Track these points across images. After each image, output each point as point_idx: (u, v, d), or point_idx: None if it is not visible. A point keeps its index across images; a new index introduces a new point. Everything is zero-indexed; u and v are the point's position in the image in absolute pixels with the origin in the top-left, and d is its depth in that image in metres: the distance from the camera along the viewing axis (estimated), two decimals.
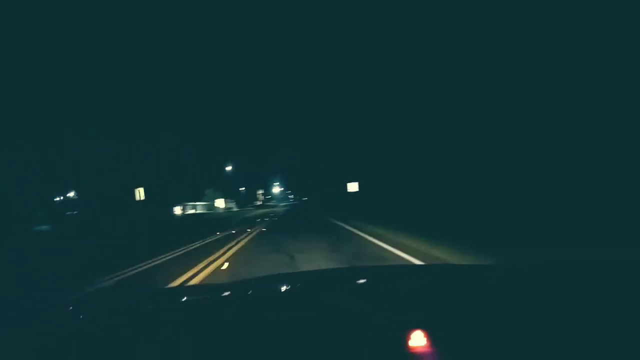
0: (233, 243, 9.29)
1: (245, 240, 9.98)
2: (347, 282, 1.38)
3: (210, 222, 22.50)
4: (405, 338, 0.67)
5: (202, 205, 52.61)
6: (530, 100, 12.01)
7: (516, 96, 12.59)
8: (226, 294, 1.30)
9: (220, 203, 45.81)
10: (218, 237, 11.31)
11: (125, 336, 0.81)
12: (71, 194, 38.68)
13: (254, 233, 12.00)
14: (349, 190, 24.23)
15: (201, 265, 6.27)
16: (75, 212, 37.21)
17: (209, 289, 1.61)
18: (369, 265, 3.54)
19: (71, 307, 1.21)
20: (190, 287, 3.52)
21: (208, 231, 13.35)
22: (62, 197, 38.11)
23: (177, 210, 46.25)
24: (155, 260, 7.24)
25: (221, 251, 7.89)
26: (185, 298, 1.30)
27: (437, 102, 18.02)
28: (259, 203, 75.79)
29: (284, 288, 1.39)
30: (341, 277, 1.56)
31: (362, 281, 1.42)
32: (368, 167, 27.75)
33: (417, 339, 0.66)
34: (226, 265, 6.21)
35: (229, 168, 54.01)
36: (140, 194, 18.98)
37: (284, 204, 74.23)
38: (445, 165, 17.57)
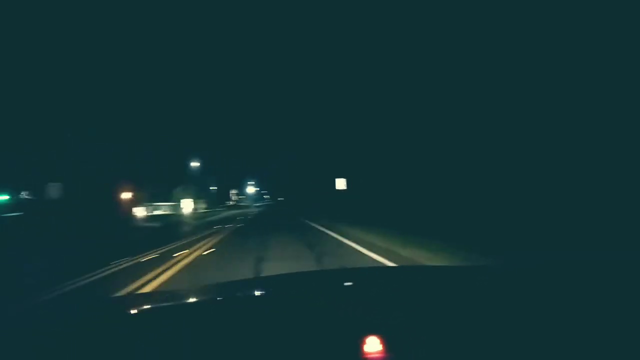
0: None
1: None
2: (311, 286, 1.35)
3: (162, 229, 18.79)
4: (360, 343, 0.66)
5: (168, 206, 48.33)
6: (522, 95, 11.83)
7: (508, 91, 12.34)
8: (188, 300, 1.27)
9: (187, 204, 41.07)
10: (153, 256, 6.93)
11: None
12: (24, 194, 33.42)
13: (200, 250, 7.61)
14: (337, 187, 21.13)
15: None
16: (18, 214, 31.71)
17: (175, 295, 1.49)
18: (338, 268, 3.28)
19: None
20: (161, 292, 3.05)
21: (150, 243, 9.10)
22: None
23: (140, 211, 41.52)
24: None
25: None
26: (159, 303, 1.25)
27: (425, 100, 17.60)
28: (231, 203, 71.19)
29: (248, 293, 1.37)
30: (306, 280, 1.52)
31: (327, 285, 1.37)
32: (351, 167, 25.78)
33: (372, 345, 0.66)
34: None
35: (195, 164, 49.21)
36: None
37: (259, 204, 71.08)
38: (432, 164, 16.94)
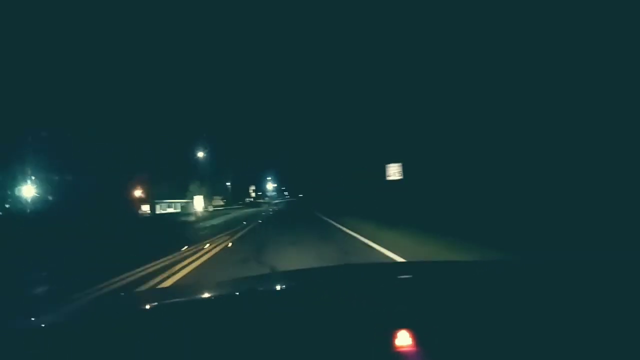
0: None
1: None
2: (336, 281, 1.31)
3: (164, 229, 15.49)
4: (391, 338, 0.66)
5: (182, 203, 44.87)
6: (531, 100, 12.09)
7: (521, 96, 12.49)
8: (206, 295, 1.27)
9: (199, 201, 36.12)
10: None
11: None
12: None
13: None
14: (389, 177, 15.17)
15: None
16: None
17: (192, 290, 1.54)
18: (360, 263, 2.95)
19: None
20: (179, 287, 3.08)
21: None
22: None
23: (147, 209, 38.57)
24: None
25: None
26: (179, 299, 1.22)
27: (440, 99, 16.69)
28: (249, 200, 66.21)
29: (271, 287, 1.35)
30: (330, 275, 1.50)
31: (352, 279, 1.33)
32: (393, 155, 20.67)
33: (403, 339, 0.66)
34: None
35: (201, 154, 43.62)
36: None
37: (277, 201, 66.16)
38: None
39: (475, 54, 15.57)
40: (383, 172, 16.79)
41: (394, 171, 15.37)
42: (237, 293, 1.22)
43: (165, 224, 20.84)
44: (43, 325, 0.98)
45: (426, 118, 17.01)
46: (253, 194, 73.86)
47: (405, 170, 15.84)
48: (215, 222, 19.01)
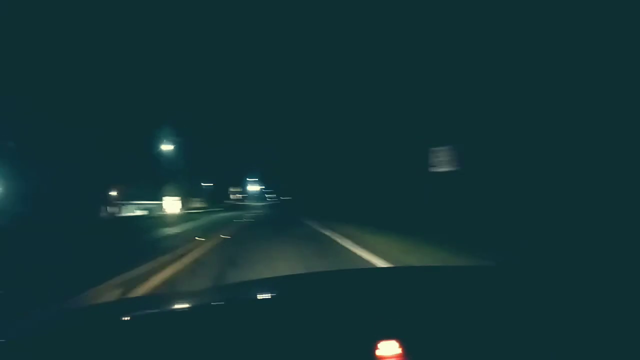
0: None
1: None
2: (323, 287, 1.26)
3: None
4: (373, 347, 0.65)
5: (153, 205, 40.28)
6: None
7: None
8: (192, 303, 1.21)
9: (171, 203, 31.06)
10: None
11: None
12: None
13: None
14: (435, 169, 10.52)
15: None
16: None
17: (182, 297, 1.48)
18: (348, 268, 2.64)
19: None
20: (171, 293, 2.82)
21: None
22: None
23: (114, 211, 34.81)
24: None
25: None
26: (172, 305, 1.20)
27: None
28: (230, 202, 61.30)
29: (261, 294, 1.29)
30: (317, 281, 1.43)
31: (338, 285, 1.28)
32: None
33: (386, 349, 0.64)
34: None
35: (166, 147, 36.21)
36: None
37: (260, 204, 61.47)
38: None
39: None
40: (418, 161, 12.34)
41: (442, 158, 10.88)
42: (220, 301, 1.17)
43: (118, 229, 16.01)
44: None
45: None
46: (235, 196, 68.31)
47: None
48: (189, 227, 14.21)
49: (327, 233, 10.23)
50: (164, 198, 33.41)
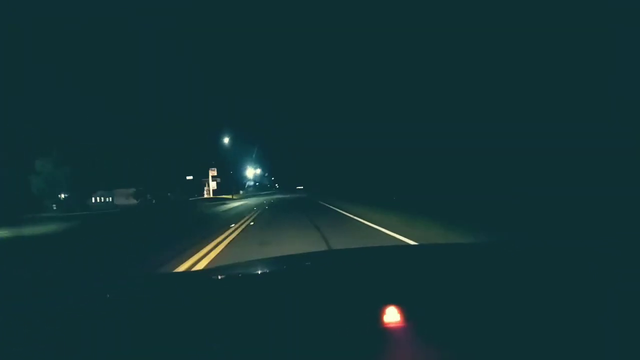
0: None
1: None
2: (329, 265, 1.34)
3: None
4: (379, 315, 0.67)
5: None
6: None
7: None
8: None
9: (123, 196, 32.55)
10: None
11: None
12: None
13: None
14: None
15: None
16: None
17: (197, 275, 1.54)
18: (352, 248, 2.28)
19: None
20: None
21: None
22: None
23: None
24: None
25: None
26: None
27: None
28: (205, 196, 59.77)
29: (265, 271, 1.35)
30: (322, 260, 1.56)
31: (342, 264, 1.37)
32: None
33: (391, 315, 0.67)
34: None
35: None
36: None
37: (264, 196, 51.42)
38: None
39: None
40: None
41: None
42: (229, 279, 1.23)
43: None
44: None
45: None
46: (213, 187, 64.84)
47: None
48: None
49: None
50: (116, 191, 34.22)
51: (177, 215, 19.40)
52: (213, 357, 0.63)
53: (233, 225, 9.95)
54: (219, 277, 1.27)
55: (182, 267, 4.71)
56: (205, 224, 12.06)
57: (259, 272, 1.36)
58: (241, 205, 25.34)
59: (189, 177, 56.32)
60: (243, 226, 9.70)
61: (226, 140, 51.68)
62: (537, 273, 0.98)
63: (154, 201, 43.42)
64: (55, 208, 37.24)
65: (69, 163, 34.65)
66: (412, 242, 5.68)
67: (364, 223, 8.87)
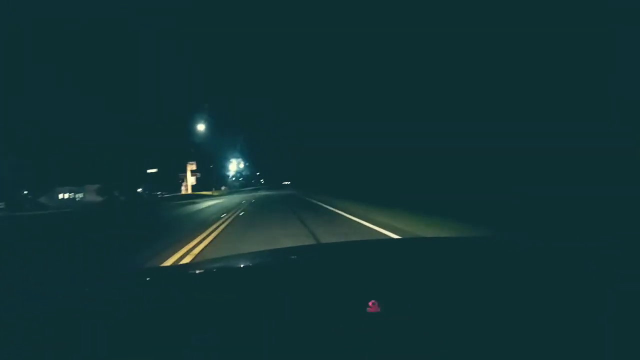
0: None
1: None
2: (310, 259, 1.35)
3: None
4: (366, 306, 0.68)
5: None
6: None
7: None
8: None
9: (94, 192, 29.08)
10: None
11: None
12: None
13: None
14: None
15: None
16: None
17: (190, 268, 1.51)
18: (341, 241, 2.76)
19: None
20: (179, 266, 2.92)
21: None
22: None
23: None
24: None
25: None
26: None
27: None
28: (183, 192, 55.36)
29: (252, 264, 1.35)
30: (313, 253, 1.56)
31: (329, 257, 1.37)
32: None
33: (377, 307, 0.68)
34: None
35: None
36: None
37: (246, 192, 46.14)
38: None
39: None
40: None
41: None
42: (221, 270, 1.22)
43: None
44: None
45: None
46: (192, 181, 59.88)
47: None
48: None
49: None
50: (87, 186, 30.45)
51: (126, 219, 15.19)
52: (200, 351, 0.61)
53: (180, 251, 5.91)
54: (206, 270, 1.24)
55: None
56: (146, 242, 7.96)
57: (248, 264, 1.34)
58: (214, 205, 21.16)
59: (152, 170, 50.39)
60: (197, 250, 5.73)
61: (201, 127, 47.24)
62: (525, 266, 0.96)
63: (122, 198, 38.81)
64: (3, 207, 32.40)
65: (15, 154, 29.78)
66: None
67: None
